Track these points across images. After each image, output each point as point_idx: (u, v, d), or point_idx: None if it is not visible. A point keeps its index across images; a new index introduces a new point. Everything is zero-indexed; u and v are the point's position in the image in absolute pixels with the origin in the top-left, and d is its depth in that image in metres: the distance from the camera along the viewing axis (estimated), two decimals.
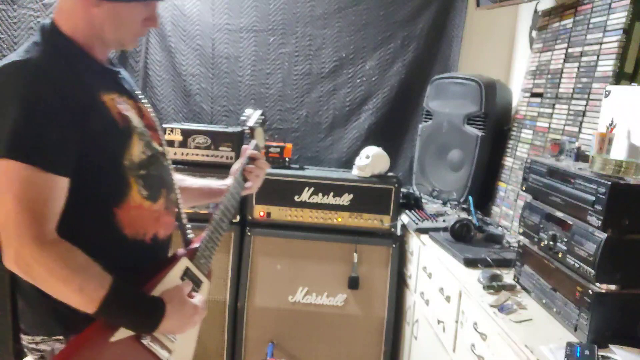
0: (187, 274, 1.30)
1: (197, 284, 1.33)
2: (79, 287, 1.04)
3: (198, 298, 1.26)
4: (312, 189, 2.70)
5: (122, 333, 1.13)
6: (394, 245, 2.71)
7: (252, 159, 1.58)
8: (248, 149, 1.61)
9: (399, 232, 2.77)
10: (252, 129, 1.68)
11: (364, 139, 3.17)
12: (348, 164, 3.08)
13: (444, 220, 2.50)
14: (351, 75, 3.17)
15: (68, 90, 1.08)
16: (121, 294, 1.09)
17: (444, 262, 2.11)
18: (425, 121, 2.98)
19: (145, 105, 1.34)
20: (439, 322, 2.11)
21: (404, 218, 2.72)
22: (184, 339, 1.30)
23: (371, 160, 2.75)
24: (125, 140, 1.18)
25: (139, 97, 1.33)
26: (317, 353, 2.76)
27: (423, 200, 2.87)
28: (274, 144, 2.85)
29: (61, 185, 1.07)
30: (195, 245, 1.36)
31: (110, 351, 1.11)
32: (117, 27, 1.18)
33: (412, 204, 2.83)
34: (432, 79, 2.98)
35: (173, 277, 1.26)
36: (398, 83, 3.16)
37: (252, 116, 1.72)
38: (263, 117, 1.75)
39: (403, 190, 2.86)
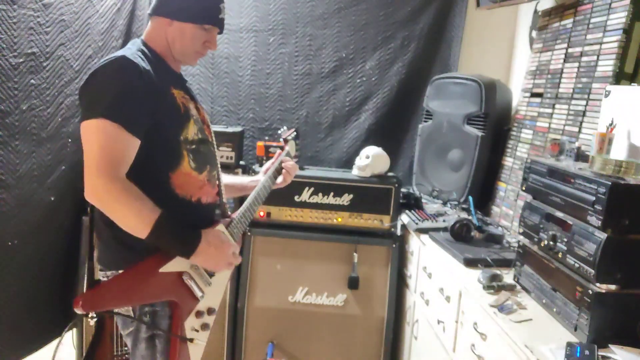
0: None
1: None
2: (138, 211, 1.36)
3: (233, 243, 1.60)
4: (312, 189, 2.70)
5: (170, 267, 1.45)
6: (394, 245, 2.71)
7: (282, 162, 1.96)
8: (281, 154, 2.01)
9: (399, 232, 2.77)
10: (285, 140, 2.09)
11: (364, 139, 3.17)
12: (348, 164, 3.08)
13: (444, 220, 2.50)
14: (351, 75, 3.17)
15: (149, 79, 1.45)
16: (168, 221, 1.40)
17: (444, 262, 2.11)
18: (425, 121, 2.98)
19: (202, 107, 1.72)
20: (439, 322, 2.11)
21: (404, 218, 2.72)
22: (216, 287, 1.60)
23: (371, 160, 2.75)
24: (184, 122, 1.55)
25: (199, 101, 1.72)
26: (317, 353, 2.76)
27: (423, 200, 2.87)
28: (274, 144, 2.85)
29: (134, 143, 1.41)
30: (232, 217, 1.71)
31: (158, 279, 1.44)
32: (182, 43, 1.56)
33: (412, 204, 2.83)
34: (432, 79, 2.98)
35: None
36: (398, 83, 3.16)
37: (286, 132, 2.13)
38: (295, 133, 2.15)
39: (403, 190, 2.86)
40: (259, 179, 1.91)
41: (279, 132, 2.16)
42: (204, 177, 1.60)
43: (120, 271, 1.48)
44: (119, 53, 1.47)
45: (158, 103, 1.46)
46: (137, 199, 1.37)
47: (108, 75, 1.42)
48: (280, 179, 1.95)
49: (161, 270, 1.44)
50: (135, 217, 1.37)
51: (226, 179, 1.88)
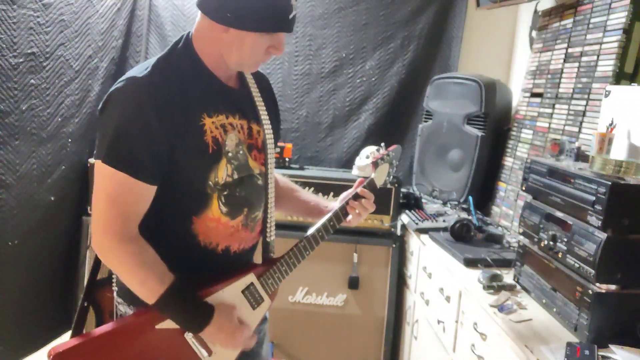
0: (249, 289, 1.37)
1: (257, 300, 1.39)
2: (141, 281, 1.20)
3: (249, 326, 1.34)
4: (312, 189, 2.70)
5: (168, 324, 1.24)
6: (394, 245, 2.71)
7: (360, 196, 1.51)
8: (362, 184, 1.54)
9: (399, 232, 2.77)
10: (374, 164, 1.58)
11: (364, 139, 3.17)
12: (348, 164, 3.08)
13: (444, 220, 2.50)
14: (351, 75, 3.17)
15: (169, 113, 1.19)
16: (177, 294, 1.21)
17: (444, 262, 2.11)
18: (425, 121, 2.98)
19: (263, 125, 1.40)
20: (439, 322, 2.11)
21: (404, 218, 2.72)
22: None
23: (371, 160, 2.74)
24: (212, 163, 1.27)
25: (258, 116, 1.40)
26: (317, 353, 2.76)
27: (423, 200, 2.86)
28: None
29: (146, 191, 1.21)
30: (269, 264, 1.42)
31: (154, 335, 1.24)
32: (240, 52, 1.26)
33: (412, 204, 2.83)
34: (432, 79, 2.98)
35: (234, 289, 1.34)
36: (398, 83, 3.16)
37: (380, 152, 1.61)
38: (393, 153, 1.62)
39: (403, 190, 2.86)
40: (330, 209, 1.53)
41: (371, 151, 1.64)
42: (238, 222, 1.34)
43: (127, 305, 1.33)
44: (140, 71, 1.21)
45: (178, 140, 1.21)
46: (143, 267, 1.19)
47: (117, 108, 1.19)
48: (349, 217, 1.51)
49: (158, 326, 1.24)
50: (139, 287, 1.21)
51: (301, 194, 1.61)
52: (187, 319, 1.24)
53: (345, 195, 1.54)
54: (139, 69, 1.24)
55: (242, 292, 1.35)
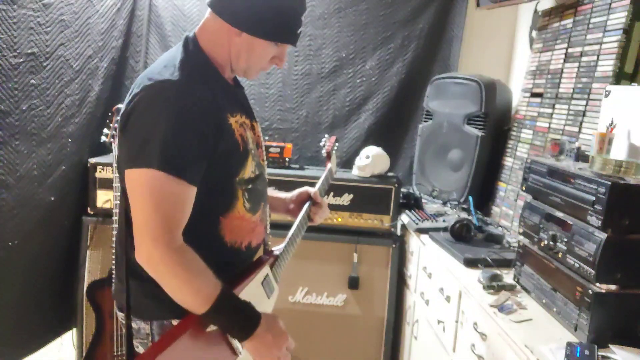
0: (266, 279, 1.43)
1: (271, 290, 1.46)
2: (196, 289, 1.17)
3: (290, 340, 1.35)
4: None
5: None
6: (394, 245, 2.71)
7: (315, 202, 1.69)
8: (317, 194, 1.69)
9: (399, 232, 2.77)
10: (329, 154, 1.78)
11: (364, 139, 3.17)
12: (348, 164, 3.08)
13: (444, 220, 2.50)
14: (351, 75, 3.17)
15: (206, 110, 1.19)
16: (228, 300, 1.21)
17: (444, 262, 2.11)
18: (425, 121, 2.98)
19: (256, 123, 1.45)
20: (439, 322, 2.11)
21: (404, 218, 2.72)
22: None
23: (371, 160, 2.75)
24: (243, 160, 1.31)
25: (254, 114, 1.45)
26: (317, 353, 2.76)
27: (423, 200, 2.87)
28: (274, 144, 2.84)
29: (191, 194, 1.19)
30: (276, 254, 1.51)
31: (204, 337, 1.24)
32: (248, 57, 1.31)
33: (412, 204, 2.83)
34: (432, 79, 2.98)
35: (256, 282, 1.40)
36: (398, 83, 3.16)
37: (330, 142, 1.82)
38: (337, 144, 1.90)
39: (403, 190, 2.86)
40: (289, 198, 1.70)
41: (321, 142, 1.88)
42: (258, 217, 1.39)
43: (140, 319, 1.32)
44: (169, 73, 1.20)
45: (217, 140, 1.21)
46: (198, 275, 1.17)
47: (159, 111, 1.16)
48: (312, 222, 1.73)
49: (208, 329, 1.24)
50: (192, 295, 1.17)
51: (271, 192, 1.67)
52: (237, 325, 1.23)
53: (308, 189, 1.69)
54: (165, 72, 1.21)
55: (261, 283, 1.41)
